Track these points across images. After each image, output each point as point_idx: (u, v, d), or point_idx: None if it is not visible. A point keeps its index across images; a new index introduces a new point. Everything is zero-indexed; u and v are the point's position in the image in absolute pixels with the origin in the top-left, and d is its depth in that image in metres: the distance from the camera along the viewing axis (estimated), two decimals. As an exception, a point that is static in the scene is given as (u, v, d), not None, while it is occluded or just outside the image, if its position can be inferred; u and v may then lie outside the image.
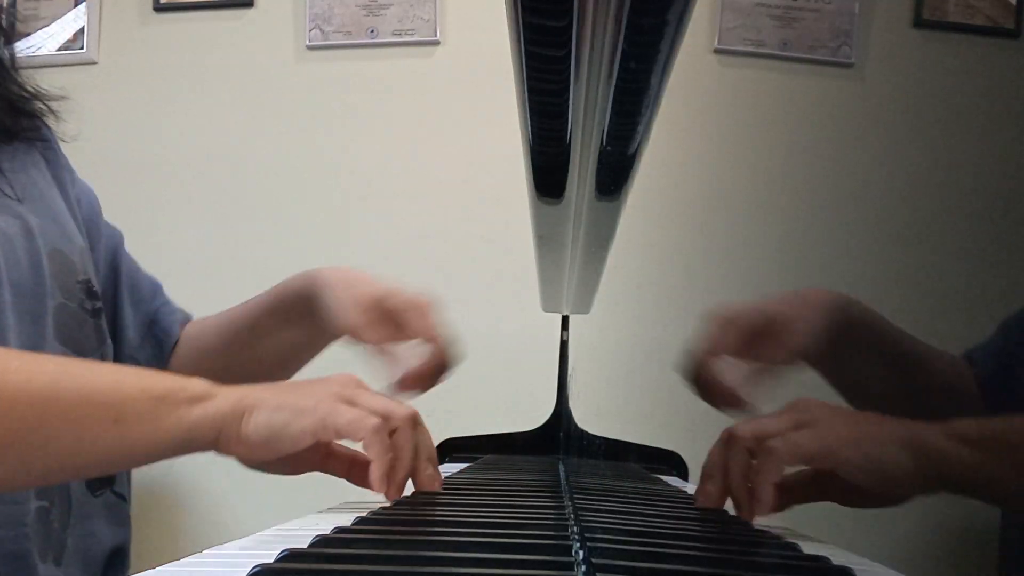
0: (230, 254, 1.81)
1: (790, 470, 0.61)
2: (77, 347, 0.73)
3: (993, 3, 1.76)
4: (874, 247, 1.77)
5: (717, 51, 1.77)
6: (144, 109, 1.84)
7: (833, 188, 1.78)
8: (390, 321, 0.78)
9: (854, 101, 1.78)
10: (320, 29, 1.81)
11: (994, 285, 1.75)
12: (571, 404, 1.20)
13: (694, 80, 1.75)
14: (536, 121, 0.47)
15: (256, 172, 1.82)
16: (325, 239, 1.80)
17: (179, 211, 1.83)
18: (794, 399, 0.79)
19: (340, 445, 0.65)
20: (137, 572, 0.38)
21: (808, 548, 0.52)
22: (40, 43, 1.85)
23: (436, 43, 1.80)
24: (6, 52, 0.79)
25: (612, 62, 0.40)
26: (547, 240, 0.73)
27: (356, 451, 0.64)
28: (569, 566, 0.38)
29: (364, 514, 0.56)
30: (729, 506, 0.70)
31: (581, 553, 0.40)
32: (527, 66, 0.40)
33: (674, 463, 1.20)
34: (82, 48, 1.84)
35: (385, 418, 0.61)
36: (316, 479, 0.67)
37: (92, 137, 1.82)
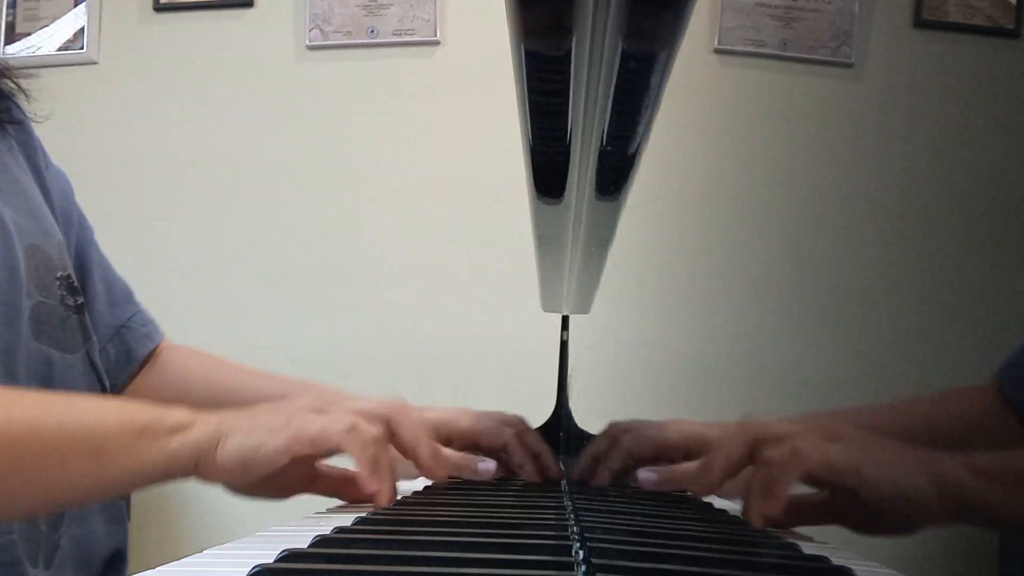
0: (230, 254, 1.81)
1: (804, 488, 0.60)
2: (59, 346, 0.72)
3: (993, 3, 1.76)
4: (874, 247, 1.77)
5: (717, 51, 1.77)
6: (144, 109, 1.84)
7: (833, 188, 1.78)
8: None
9: (854, 101, 1.78)
10: (320, 29, 1.81)
11: (994, 285, 1.75)
12: (571, 404, 1.20)
13: (694, 80, 1.75)
14: (536, 121, 0.47)
15: (256, 172, 1.82)
16: (325, 239, 1.80)
17: (179, 211, 1.83)
18: (819, 414, 0.79)
19: (326, 465, 0.65)
20: (137, 572, 0.38)
21: (808, 548, 0.52)
22: (40, 43, 1.85)
23: (436, 43, 1.80)
24: None
25: (612, 62, 0.40)
26: (547, 240, 0.72)
27: (343, 468, 0.64)
28: (569, 566, 0.38)
29: (364, 514, 0.56)
30: (729, 506, 0.70)
31: (581, 553, 0.40)
32: (527, 66, 0.40)
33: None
34: (82, 48, 1.84)
35: (357, 417, 0.61)
36: (316, 479, 0.67)
37: (92, 137, 1.83)
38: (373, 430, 0.61)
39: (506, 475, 0.76)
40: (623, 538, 0.45)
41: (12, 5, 1.86)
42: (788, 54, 1.77)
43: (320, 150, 1.82)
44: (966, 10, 1.76)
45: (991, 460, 0.59)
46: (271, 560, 0.39)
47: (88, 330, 0.77)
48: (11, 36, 1.86)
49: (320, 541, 0.44)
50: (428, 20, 1.79)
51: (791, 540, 0.55)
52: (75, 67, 1.84)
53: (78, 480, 0.55)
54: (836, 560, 0.46)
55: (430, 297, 1.77)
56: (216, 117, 1.84)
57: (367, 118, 1.82)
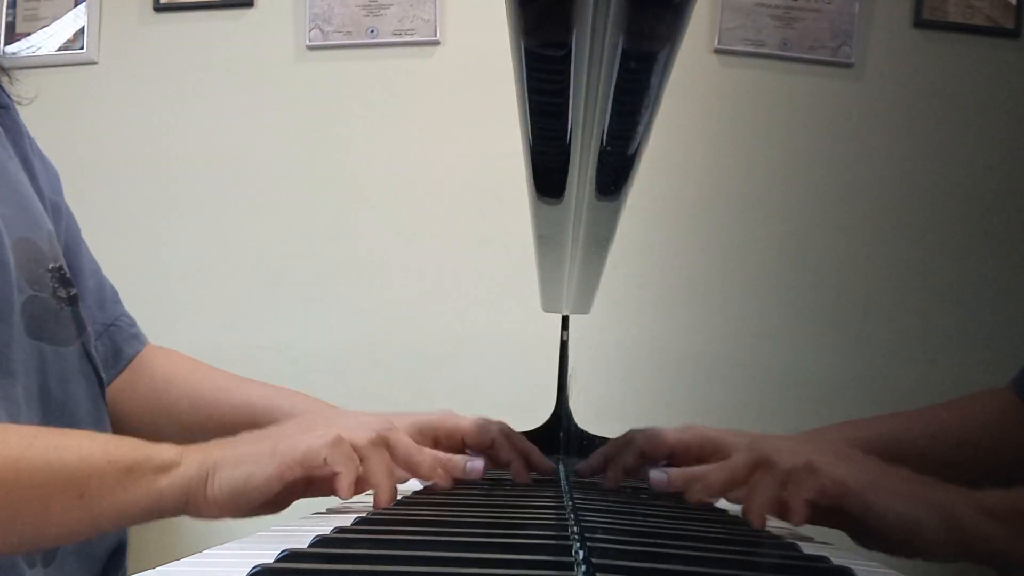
0: (230, 254, 1.81)
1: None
2: (54, 339, 0.71)
3: (993, 3, 1.76)
4: (874, 246, 1.77)
5: (717, 51, 1.77)
6: (144, 109, 1.84)
7: (833, 188, 1.78)
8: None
9: (854, 101, 1.78)
10: (320, 29, 1.81)
11: (995, 285, 1.74)
12: (571, 404, 1.20)
13: (694, 80, 1.75)
14: (536, 121, 0.47)
15: (256, 172, 1.82)
16: (325, 239, 1.80)
17: (179, 211, 1.83)
18: (837, 428, 0.78)
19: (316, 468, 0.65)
20: (137, 572, 0.38)
21: (808, 548, 0.52)
22: (40, 43, 1.85)
23: (436, 43, 1.80)
24: None
25: (612, 62, 0.40)
26: (547, 240, 0.72)
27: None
28: (569, 566, 0.38)
29: (364, 514, 0.56)
30: (729, 506, 0.70)
31: (581, 553, 0.40)
32: (527, 66, 0.40)
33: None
34: (82, 48, 1.84)
35: (340, 432, 0.61)
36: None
37: (92, 137, 1.83)
38: (360, 437, 0.61)
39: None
40: (623, 538, 0.45)
41: (12, 5, 1.86)
42: (788, 54, 1.77)
43: (320, 150, 1.82)
44: (966, 10, 1.76)
45: (1002, 500, 0.58)
46: (271, 560, 0.39)
47: (82, 322, 0.75)
48: (11, 36, 1.86)
49: (320, 541, 0.44)
50: (428, 20, 1.79)
51: (791, 540, 0.55)
52: (75, 67, 1.84)
53: (62, 519, 0.54)
54: (836, 560, 0.46)
55: (430, 297, 1.77)
56: (216, 117, 1.83)
57: (367, 118, 1.82)
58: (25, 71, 0.77)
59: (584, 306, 1.10)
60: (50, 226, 0.75)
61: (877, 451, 0.80)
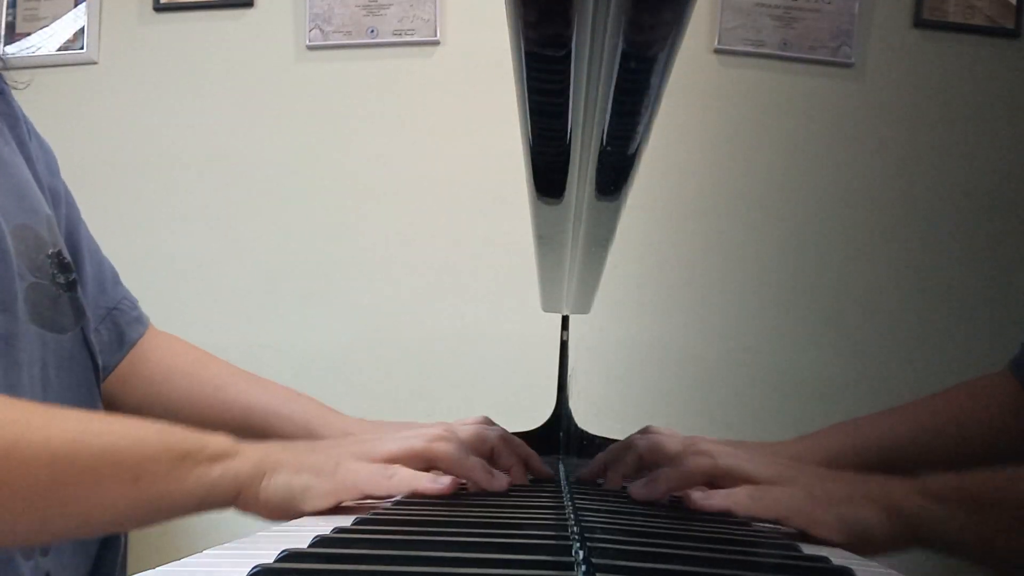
0: (230, 253, 1.81)
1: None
2: (54, 326, 0.71)
3: (993, 3, 1.76)
4: (874, 246, 1.77)
5: (717, 51, 1.77)
6: (144, 109, 1.84)
7: (833, 188, 1.78)
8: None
9: (854, 101, 1.78)
10: (320, 29, 1.81)
11: (994, 284, 1.75)
12: (571, 404, 1.20)
13: (694, 80, 1.75)
14: (536, 121, 0.47)
15: (256, 172, 1.82)
16: (325, 238, 1.80)
17: (179, 210, 1.83)
18: (765, 445, 0.79)
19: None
20: (137, 572, 0.38)
21: (808, 548, 0.52)
22: (40, 43, 1.85)
23: (436, 43, 1.80)
24: None
25: (612, 62, 0.40)
26: (547, 240, 0.72)
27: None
28: (569, 566, 0.38)
29: (364, 514, 0.56)
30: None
31: (581, 553, 0.40)
32: (527, 66, 0.40)
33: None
34: (82, 48, 1.84)
35: (401, 461, 0.62)
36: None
37: (92, 137, 1.83)
38: (410, 471, 0.62)
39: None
40: (623, 538, 0.45)
41: (12, 5, 1.86)
42: (788, 54, 1.77)
43: (320, 150, 1.82)
44: (966, 10, 1.76)
45: (945, 483, 0.58)
46: (271, 560, 0.39)
47: (81, 308, 0.75)
48: (11, 36, 1.86)
49: (320, 541, 0.44)
50: (428, 20, 1.79)
51: (791, 540, 0.55)
52: (75, 67, 1.84)
53: (114, 504, 0.54)
54: (836, 560, 0.46)
55: (430, 297, 1.77)
56: (216, 117, 1.83)
57: (367, 118, 1.82)
58: (25, 71, 0.77)
59: (584, 306, 1.10)
60: (48, 211, 0.74)
61: (872, 454, 0.80)
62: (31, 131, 0.79)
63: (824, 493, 0.58)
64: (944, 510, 0.57)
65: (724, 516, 0.60)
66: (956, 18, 1.76)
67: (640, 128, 0.48)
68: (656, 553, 0.42)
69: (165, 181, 1.83)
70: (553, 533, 0.48)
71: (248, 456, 0.59)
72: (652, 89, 0.43)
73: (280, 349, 1.77)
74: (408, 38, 1.80)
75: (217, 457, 0.57)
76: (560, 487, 0.75)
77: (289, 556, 0.40)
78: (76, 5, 1.85)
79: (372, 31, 1.80)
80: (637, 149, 0.51)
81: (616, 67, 0.40)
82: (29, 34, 1.85)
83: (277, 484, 0.58)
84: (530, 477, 0.80)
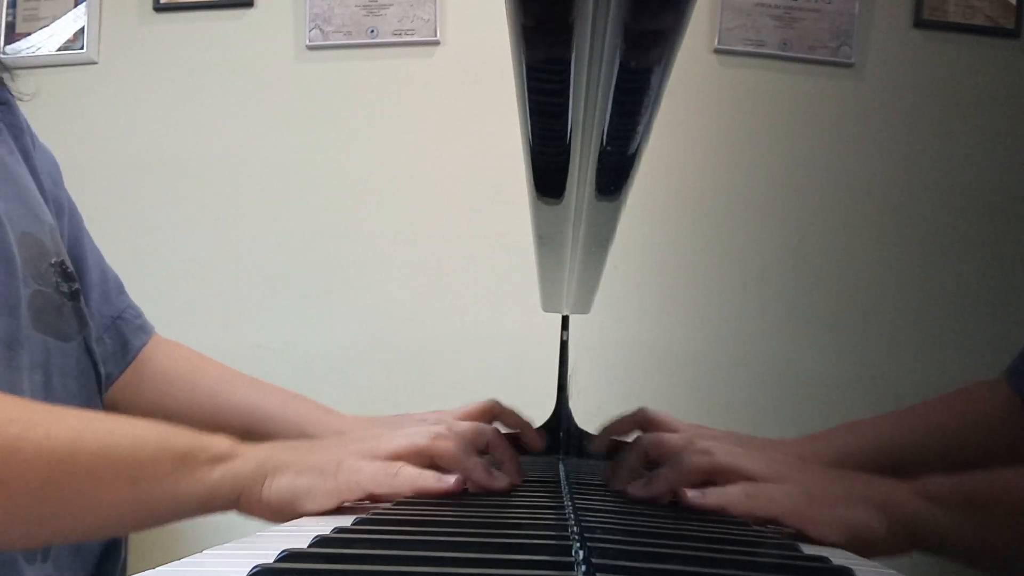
0: (230, 253, 1.81)
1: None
2: (57, 334, 0.71)
3: (993, 3, 1.76)
4: (874, 246, 1.77)
5: (717, 51, 1.77)
6: (144, 109, 1.84)
7: (833, 188, 1.78)
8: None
9: (854, 101, 1.78)
10: (320, 29, 1.81)
11: (994, 284, 1.75)
12: (571, 404, 1.20)
13: (694, 80, 1.75)
14: (536, 121, 0.47)
15: (256, 172, 1.82)
16: (325, 238, 1.80)
17: (179, 211, 1.83)
18: (766, 443, 0.79)
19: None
20: (137, 572, 0.38)
21: (808, 548, 0.52)
22: (40, 43, 1.85)
23: (436, 43, 1.80)
24: None
25: (612, 62, 0.40)
26: (547, 240, 0.72)
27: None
28: (569, 566, 0.38)
29: (364, 514, 0.56)
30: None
31: (581, 553, 0.40)
32: (527, 66, 0.40)
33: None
34: (82, 48, 1.84)
35: (404, 458, 0.62)
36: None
37: (92, 137, 1.83)
38: (415, 468, 0.62)
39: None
40: (623, 538, 0.45)
41: (12, 5, 1.86)
42: (788, 54, 1.77)
43: (320, 150, 1.82)
44: (966, 10, 1.76)
45: (945, 486, 0.58)
46: (271, 560, 0.39)
47: (84, 316, 0.75)
48: (11, 36, 1.86)
49: (320, 541, 0.44)
50: (428, 20, 1.79)
51: (791, 540, 0.55)
52: (75, 67, 1.84)
53: (113, 505, 0.53)
54: (836, 560, 0.46)
55: (430, 297, 1.77)
56: (216, 117, 1.84)
57: (367, 118, 1.82)
58: (25, 71, 0.77)
59: (584, 306, 1.10)
60: (52, 220, 0.75)
61: (873, 456, 0.80)
62: (35, 142, 0.79)
63: (822, 493, 0.58)
64: (944, 513, 0.56)
65: (719, 514, 0.60)
66: (956, 18, 1.76)
67: (640, 128, 0.48)
68: (656, 553, 0.42)
69: (165, 181, 1.83)
70: (553, 533, 0.48)
71: (249, 457, 0.59)
72: (652, 89, 0.43)
73: (280, 349, 1.77)
74: (408, 38, 1.80)
75: (218, 459, 0.57)
76: (560, 487, 0.75)
77: (289, 556, 0.40)
78: (76, 5, 1.85)
79: (372, 31, 1.80)
80: (637, 149, 0.51)
81: (616, 67, 0.40)
82: (29, 34, 1.85)
83: (280, 485, 0.58)
84: (530, 477, 0.80)
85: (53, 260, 0.73)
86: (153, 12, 1.85)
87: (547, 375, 1.22)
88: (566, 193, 0.58)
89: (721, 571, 0.42)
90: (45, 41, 1.85)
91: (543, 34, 0.38)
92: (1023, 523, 0.56)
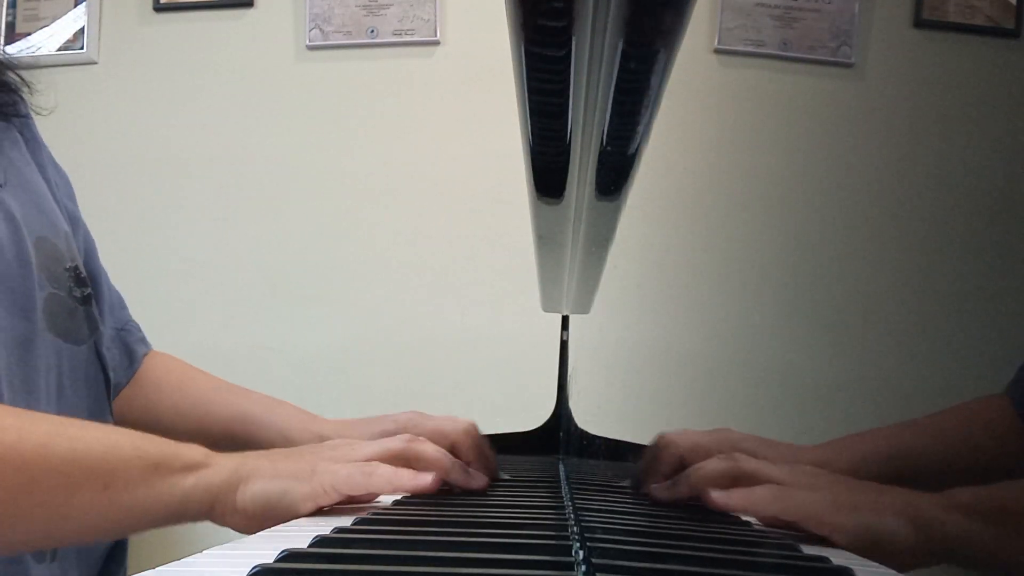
0: (230, 253, 1.81)
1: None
2: (70, 337, 0.72)
3: (993, 3, 1.76)
4: (874, 247, 1.77)
5: (717, 51, 1.77)
6: (144, 109, 1.84)
7: (833, 188, 1.78)
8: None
9: (854, 101, 1.78)
10: (320, 29, 1.81)
11: (994, 284, 1.75)
12: (571, 404, 1.20)
13: (694, 80, 1.75)
14: (536, 121, 0.47)
15: (256, 172, 1.82)
16: (325, 239, 1.80)
17: (179, 211, 1.83)
18: (784, 448, 0.79)
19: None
20: (137, 572, 0.38)
21: (808, 548, 0.52)
22: (40, 43, 1.85)
23: (436, 43, 1.80)
24: None
25: (612, 62, 0.40)
26: (547, 240, 0.72)
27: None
28: (569, 566, 0.38)
29: (364, 514, 0.56)
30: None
31: (581, 553, 0.40)
32: (527, 66, 0.40)
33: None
34: (82, 48, 1.84)
35: (379, 458, 0.62)
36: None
37: (92, 137, 1.83)
38: (390, 467, 0.62)
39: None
40: (623, 538, 0.45)
41: (12, 5, 1.86)
42: (788, 54, 1.77)
43: (320, 150, 1.82)
44: (966, 10, 1.76)
45: (974, 496, 0.57)
46: (271, 560, 0.39)
47: (95, 321, 0.77)
48: (11, 36, 1.86)
49: (320, 541, 0.44)
50: (428, 20, 1.79)
51: (791, 540, 0.55)
52: (75, 67, 1.84)
53: (85, 511, 0.53)
54: (836, 560, 0.46)
55: (430, 297, 1.77)
56: (216, 117, 1.83)
57: (367, 118, 1.82)
58: (25, 71, 0.78)
59: (584, 306, 1.10)
60: (66, 228, 0.76)
61: (887, 465, 0.80)
62: (50, 159, 0.81)
63: (849, 500, 0.57)
64: (974, 523, 0.56)
65: (739, 515, 0.59)
66: (956, 18, 1.76)
67: (640, 128, 0.48)
68: (656, 553, 0.42)
69: (165, 181, 1.83)
70: (553, 533, 0.48)
71: (223, 466, 0.58)
72: (652, 89, 0.43)
73: (280, 349, 1.77)
74: (408, 38, 1.80)
75: (190, 467, 0.57)
76: (560, 487, 0.75)
77: (289, 556, 0.40)
78: (76, 5, 1.85)
79: (372, 31, 1.80)
80: (637, 149, 0.51)
81: (616, 67, 0.40)
82: (29, 34, 1.85)
83: (254, 491, 0.57)
84: (530, 477, 0.80)
85: (68, 265, 0.74)
86: (153, 12, 1.85)
87: (547, 375, 1.22)
88: (566, 193, 0.58)
89: (721, 571, 0.42)
90: (45, 41, 1.85)
91: (543, 34, 0.38)
92: None
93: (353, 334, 1.77)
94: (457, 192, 1.79)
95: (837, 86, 1.78)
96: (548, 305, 1.10)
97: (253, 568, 0.36)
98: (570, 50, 0.39)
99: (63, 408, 0.71)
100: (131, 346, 0.87)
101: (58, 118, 0.82)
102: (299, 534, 0.50)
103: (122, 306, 0.89)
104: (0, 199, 0.68)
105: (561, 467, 0.97)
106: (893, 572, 0.48)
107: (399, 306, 1.78)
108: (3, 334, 0.64)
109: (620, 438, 1.24)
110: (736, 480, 0.61)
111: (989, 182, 1.77)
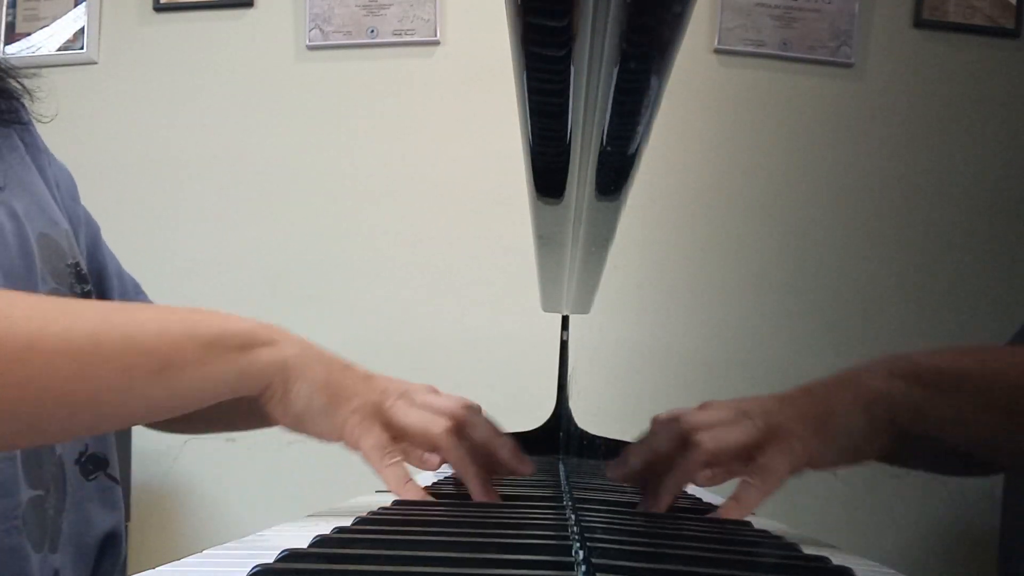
0: (230, 253, 1.81)
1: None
2: None
3: (993, 3, 1.76)
4: (874, 246, 1.77)
5: (717, 51, 1.77)
6: (144, 109, 1.84)
7: (833, 188, 1.78)
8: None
9: (854, 101, 1.78)
10: (320, 29, 1.81)
11: (993, 284, 1.75)
12: (571, 404, 1.20)
13: (694, 80, 1.75)
14: (536, 121, 0.47)
15: (256, 172, 1.82)
16: (325, 239, 1.80)
17: (179, 211, 1.83)
18: (739, 401, 0.78)
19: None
20: (137, 572, 0.38)
21: (808, 548, 0.52)
22: (40, 43, 1.85)
23: (436, 43, 1.80)
24: None
25: (612, 62, 0.40)
26: (547, 240, 0.72)
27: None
28: (569, 566, 0.38)
29: (364, 514, 0.56)
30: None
31: (581, 553, 0.40)
32: (527, 66, 0.40)
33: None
34: (82, 48, 1.84)
35: (412, 438, 0.62)
36: (316, 480, 0.67)
37: (92, 137, 1.83)
38: (404, 473, 0.62)
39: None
40: (623, 538, 0.45)
41: (12, 5, 1.86)
42: (788, 54, 1.77)
43: (320, 150, 1.82)
44: (966, 10, 1.76)
45: (913, 363, 0.59)
46: (271, 560, 0.39)
47: None
48: (11, 36, 1.86)
49: (320, 541, 0.44)
50: (428, 20, 1.79)
51: (791, 540, 0.55)
52: (75, 67, 1.84)
53: (141, 394, 0.54)
54: (836, 560, 0.46)
55: (430, 297, 1.77)
56: (216, 117, 1.84)
57: (367, 118, 1.82)
58: (28, 72, 0.78)
59: (584, 306, 1.11)
60: (67, 226, 0.77)
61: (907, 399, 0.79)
62: (51, 160, 0.82)
63: (810, 424, 0.59)
64: (916, 391, 0.57)
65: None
66: (956, 18, 1.76)
67: (640, 128, 0.48)
68: (656, 553, 0.42)
69: (165, 181, 1.83)
70: (553, 533, 0.48)
71: (281, 351, 0.59)
72: (652, 89, 0.43)
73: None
74: (408, 38, 1.80)
75: (247, 345, 0.58)
76: (560, 487, 0.75)
77: (289, 556, 0.40)
78: (76, 5, 1.85)
79: (372, 31, 1.80)
80: (637, 149, 0.51)
81: (616, 67, 0.40)
82: (29, 34, 1.85)
83: (298, 393, 0.59)
84: (530, 477, 0.80)
85: (69, 261, 0.75)
86: (153, 12, 1.85)
87: (547, 375, 1.22)
88: (566, 193, 0.58)
89: (721, 571, 0.42)
90: (45, 41, 1.85)
91: (543, 34, 0.38)
92: (995, 395, 0.56)
93: (353, 334, 1.77)
94: (457, 192, 1.80)
95: (837, 86, 1.78)
96: (548, 305, 1.10)
97: (253, 568, 0.37)
98: (570, 50, 0.39)
99: None
100: None
101: (58, 118, 0.82)
102: (299, 534, 0.50)
103: (137, 291, 0.88)
104: (3, 199, 0.70)
105: (561, 467, 0.97)
106: (893, 572, 0.48)
107: (399, 306, 1.78)
108: None
109: (620, 438, 1.24)
110: (710, 466, 0.61)
111: (989, 182, 1.77)
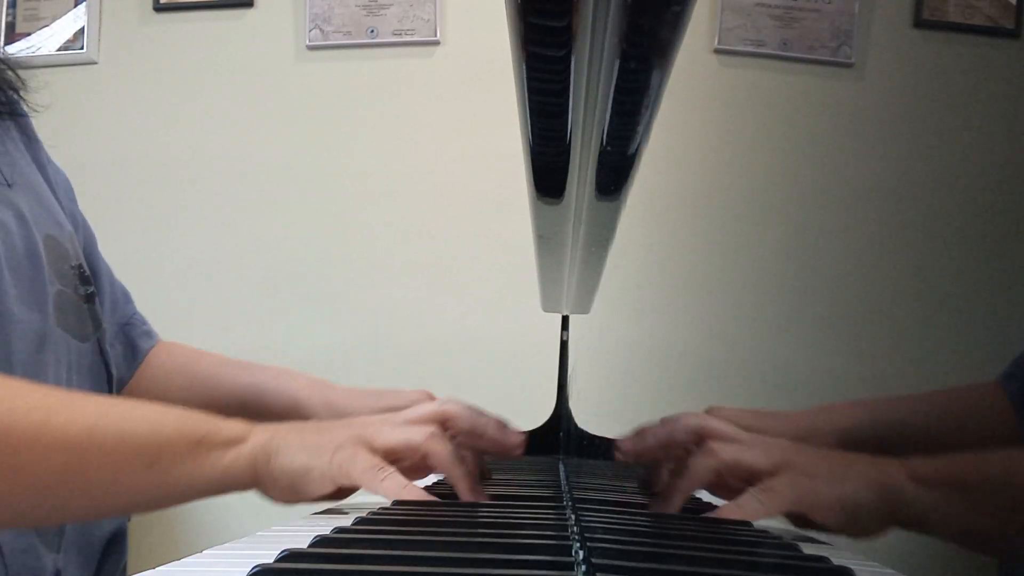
0: (230, 254, 1.81)
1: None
2: (76, 333, 0.74)
3: (993, 3, 1.76)
4: (874, 246, 1.77)
5: (717, 51, 1.77)
6: (144, 109, 1.84)
7: (833, 188, 1.78)
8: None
9: (854, 101, 1.78)
10: (320, 29, 1.81)
11: (994, 285, 1.75)
12: (571, 404, 1.20)
13: (694, 80, 1.75)
14: (536, 121, 0.47)
15: (256, 172, 1.82)
16: (325, 239, 1.80)
17: (179, 211, 1.83)
18: (771, 418, 0.80)
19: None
20: (137, 572, 0.38)
21: (808, 548, 0.52)
22: (40, 43, 1.85)
23: (436, 43, 1.80)
24: None
25: (612, 62, 0.40)
26: (547, 240, 0.73)
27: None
28: (569, 566, 0.38)
29: (364, 514, 0.56)
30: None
31: (581, 553, 0.40)
32: (527, 66, 0.40)
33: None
34: (82, 48, 1.84)
35: (399, 454, 0.62)
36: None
37: (92, 137, 1.83)
38: (402, 479, 0.62)
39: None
40: (623, 538, 0.45)
41: (12, 5, 1.86)
42: (788, 54, 1.77)
43: (320, 150, 1.82)
44: (966, 10, 1.76)
45: (932, 468, 0.60)
46: (271, 560, 0.39)
47: (99, 319, 0.78)
48: (11, 36, 1.86)
49: (320, 541, 0.44)
50: (428, 20, 1.79)
51: (791, 540, 0.55)
52: (75, 67, 1.84)
53: (132, 487, 0.55)
54: (836, 560, 0.46)
55: (430, 297, 1.77)
56: (216, 117, 1.83)
57: (367, 118, 1.82)
58: (24, 70, 0.78)
59: (584, 306, 1.11)
60: (70, 227, 0.78)
61: (864, 432, 0.82)
62: (48, 157, 0.82)
63: (824, 475, 0.59)
64: (929, 493, 0.58)
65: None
66: (956, 18, 1.76)
67: (640, 128, 0.48)
68: (656, 553, 0.42)
69: (165, 181, 1.83)
70: (553, 533, 0.48)
71: (257, 439, 0.60)
72: (652, 89, 0.43)
73: (280, 350, 1.77)
74: (408, 38, 1.80)
75: (231, 442, 0.59)
76: (560, 487, 0.75)
77: (289, 556, 0.40)
78: (76, 5, 1.85)
79: (372, 31, 1.80)
80: (637, 149, 0.51)
81: (616, 67, 0.40)
82: (29, 34, 1.85)
83: (281, 465, 0.59)
84: (530, 477, 0.80)
85: (73, 263, 0.76)
86: (153, 12, 1.85)
87: (547, 375, 1.22)
88: (566, 193, 0.58)
89: (721, 571, 0.42)
90: (45, 41, 1.85)
91: (543, 34, 0.38)
92: (1005, 503, 0.57)
93: (353, 334, 1.77)
94: (457, 192, 1.79)
95: (837, 86, 1.78)
96: (548, 305, 1.10)
97: (253, 568, 0.37)
98: (570, 50, 0.39)
99: None
100: (134, 341, 0.88)
101: (58, 118, 0.82)
102: (299, 534, 0.50)
103: (127, 300, 0.90)
104: (10, 200, 0.70)
105: (561, 467, 0.97)
106: (893, 572, 0.48)
107: (399, 306, 1.78)
108: (22, 326, 0.66)
109: (620, 438, 1.24)
110: (720, 475, 0.62)
111: (989, 182, 1.77)
